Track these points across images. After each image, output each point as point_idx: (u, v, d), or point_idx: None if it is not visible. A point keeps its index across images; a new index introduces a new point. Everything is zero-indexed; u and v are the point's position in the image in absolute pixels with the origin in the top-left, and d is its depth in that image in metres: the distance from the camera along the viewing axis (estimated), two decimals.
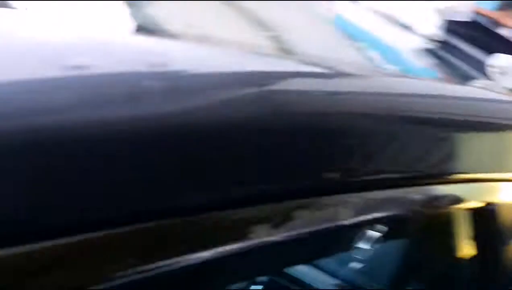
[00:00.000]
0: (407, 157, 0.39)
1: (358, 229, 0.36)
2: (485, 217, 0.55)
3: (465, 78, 1.00)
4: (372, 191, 0.35)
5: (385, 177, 0.36)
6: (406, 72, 1.08)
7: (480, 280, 0.62)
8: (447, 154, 0.48)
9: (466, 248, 0.59)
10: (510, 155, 0.62)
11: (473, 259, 0.59)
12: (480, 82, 0.87)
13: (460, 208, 0.53)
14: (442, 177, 0.46)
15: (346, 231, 0.35)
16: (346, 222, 0.33)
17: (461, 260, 0.59)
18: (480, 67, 1.05)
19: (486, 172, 0.55)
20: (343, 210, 0.33)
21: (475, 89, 0.75)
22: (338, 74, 0.47)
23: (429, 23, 1.00)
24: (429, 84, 0.63)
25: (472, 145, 0.53)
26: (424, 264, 0.65)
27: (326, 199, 0.31)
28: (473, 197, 0.54)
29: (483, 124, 0.57)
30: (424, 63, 1.02)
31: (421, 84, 0.61)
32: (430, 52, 1.04)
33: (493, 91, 0.91)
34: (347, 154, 0.33)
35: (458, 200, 0.51)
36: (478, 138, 0.56)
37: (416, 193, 0.41)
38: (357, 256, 0.43)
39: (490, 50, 1.06)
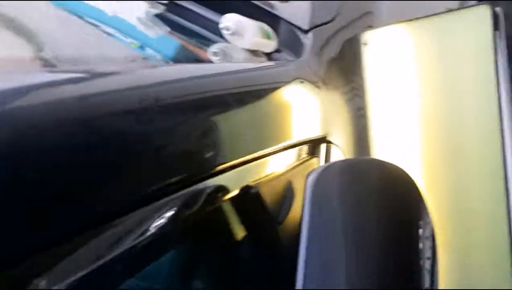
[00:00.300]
0: (166, 161, 0.40)
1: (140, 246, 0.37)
2: (254, 199, 0.53)
3: (204, 43, 0.96)
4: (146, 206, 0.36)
5: (148, 191, 0.37)
6: (146, 44, 0.99)
7: (260, 264, 0.59)
8: (204, 147, 0.45)
9: (243, 236, 0.55)
10: (264, 128, 0.60)
11: (251, 244, 0.57)
12: (218, 46, 0.82)
13: (228, 198, 0.49)
14: (205, 173, 0.46)
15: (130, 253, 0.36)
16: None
17: (241, 249, 0.57)
18: (215, 29, 1.02)
19: (247, 153, 0.52)
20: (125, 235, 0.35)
21: (211, 66, 0.70)
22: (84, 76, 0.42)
23: None
24: (169, 70, 0.56)
25: (225, 130, 0.48)
26: (206, 262, 0.61)
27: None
28: (240, 182, 0.51)
29: (228, 104, 0.53)
30: (160, 31, 0.93)
31: (165, 71, 0.54)
32: (160, 17, 0.95)
33: (230, 59, 0.88)
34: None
35: (225, 190, 0.50)
36: (228, 121, 0.51)
37: (182, 196, 0.42)
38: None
39: (221, 10, 1.03)
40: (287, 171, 0.67)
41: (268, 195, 0.58)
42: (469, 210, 0.92)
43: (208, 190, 0.48)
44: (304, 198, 0.53)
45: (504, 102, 0.82)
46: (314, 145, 0.83)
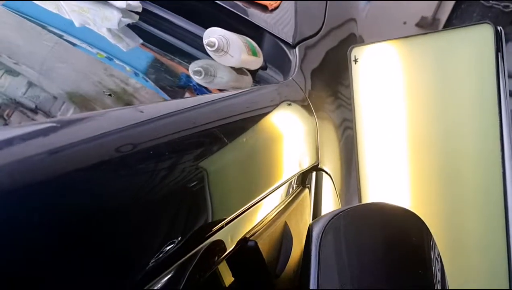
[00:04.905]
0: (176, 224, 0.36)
1: None
2: (252, 254, 0.48)
3: (180, 56, 0.88)
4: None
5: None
6: (115, 56, 0.90)
7: None
8: (189, 210, 0.39)
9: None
10: (256, 170, 0.52)
11: None
12: (200, 64, 0.74)
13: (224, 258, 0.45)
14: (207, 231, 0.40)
15: None
16: None
17: None
18: (193, 41, 0.94)
19: (239, 206, 0.47)
20: None
21: (185, 102, 0.59)
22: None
23: None
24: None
25: (213, 185, 0.42)
26: None
27: None
28: (234, 237, 0.47)
29: (213, 150, 0.45)
30: (131, 43, 0.85)
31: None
32: (133, 27, 0.87)
33: (213, 79, 0.80)
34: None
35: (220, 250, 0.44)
36: (215, 173, 0.43)
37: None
38: None
39: (199, 21, 0.94)
40: (281, 213, 0.59)
41: (265, 245, 0.50)
42: (466, 241, 0.86)
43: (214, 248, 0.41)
44: (309, 255, 0.46)
45: (506, 127, 0.77)
46: (304, 174, 0.76)
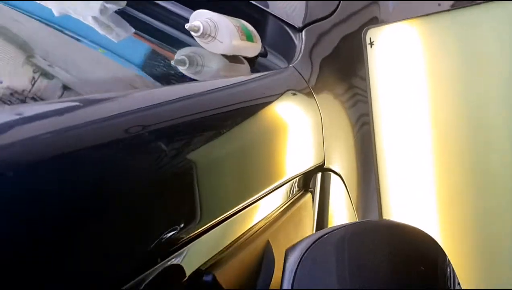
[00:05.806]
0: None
1: None
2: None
3: (174, 45, 0.81)
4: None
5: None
6: (107, 49, 0.83)
7: None
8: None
9: None
10: (250, 170, 0.42)
11: None
12: (185, 52, 0.67)
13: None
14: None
15: None
16: None
17: None
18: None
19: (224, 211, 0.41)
20: None
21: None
22: None
23: None
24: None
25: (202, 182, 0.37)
26: None
27: None
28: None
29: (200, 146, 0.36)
30: (123, 32, 0.78)
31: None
32: (122, 14, 0.80)
33: (201, 69, 0.70)
34: None
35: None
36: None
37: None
38: None
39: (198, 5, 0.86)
40: (266, 228, 0.49)
41: (232, 276, 0.40)
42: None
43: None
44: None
45: None
46: (307, 175, 0.66)
